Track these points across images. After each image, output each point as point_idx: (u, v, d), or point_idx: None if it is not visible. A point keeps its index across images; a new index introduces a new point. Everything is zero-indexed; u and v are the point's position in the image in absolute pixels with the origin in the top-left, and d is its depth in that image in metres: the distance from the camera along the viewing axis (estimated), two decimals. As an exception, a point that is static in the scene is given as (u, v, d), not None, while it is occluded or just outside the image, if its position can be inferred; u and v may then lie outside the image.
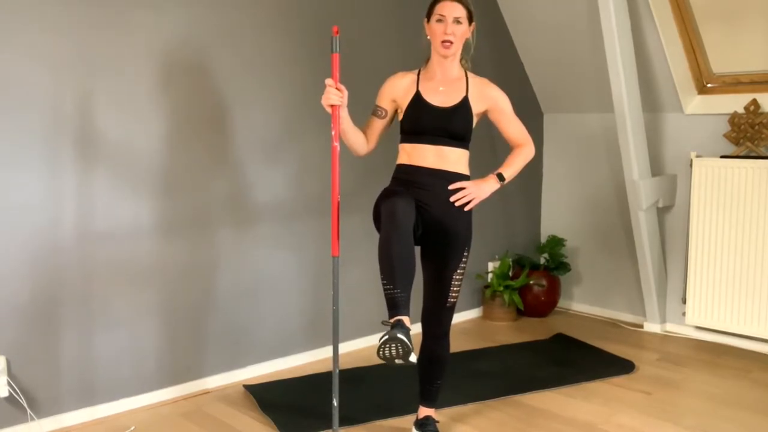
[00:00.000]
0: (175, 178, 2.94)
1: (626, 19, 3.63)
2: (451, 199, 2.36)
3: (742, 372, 3.41)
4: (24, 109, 2.51)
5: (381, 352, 2.04)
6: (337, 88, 2.28)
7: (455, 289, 2.44)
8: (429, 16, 2.39)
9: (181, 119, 2.94)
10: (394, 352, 2.02)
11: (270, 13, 3.20)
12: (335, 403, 2.39)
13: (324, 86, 2.29)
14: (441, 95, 2.39)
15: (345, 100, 2.31)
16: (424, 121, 2.37)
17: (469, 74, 2.46)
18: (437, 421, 2.61)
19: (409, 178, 2.39)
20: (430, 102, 2.38)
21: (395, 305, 2.13)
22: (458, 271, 2.43)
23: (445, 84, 2.41)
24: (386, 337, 2.02)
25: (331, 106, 2.29)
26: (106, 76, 2.70)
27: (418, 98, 2.39)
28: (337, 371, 2.37)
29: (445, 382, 2.59)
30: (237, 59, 3.10)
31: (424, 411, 2.59)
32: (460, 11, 2.34)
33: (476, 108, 2.41)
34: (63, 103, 2.60)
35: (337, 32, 2.32)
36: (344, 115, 2.34)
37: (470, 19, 2.38)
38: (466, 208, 2.38)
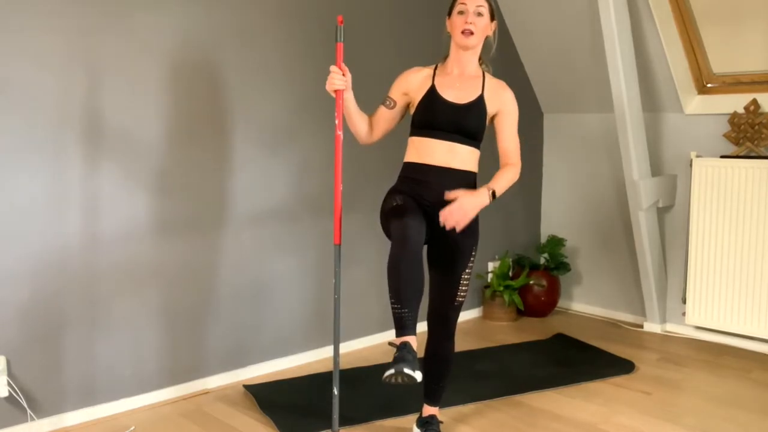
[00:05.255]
0: (175, 179, 2.94)
1: (626, 19, 3.63)
2: (442, 223, 2.22)
3: (742, 372, 3.41)
4: (26, 110, 2.51)
5: (387, 381, 2.07)
6: (342, 73, 2.32)
7: (464, 288, 2.43)
8: (450, 11, 2.37)
9: (184, 118, 2.94)
10: (399, 382, 2.06)
11: (272, 11, 3.20)
12: (336, 391, 2.39)
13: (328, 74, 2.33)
14: (456, 91, 2.35)
15: (349, 83, 2.34)
16: (437, 116, 2.33)
17: (487, 75, 2.42)
18: (441, 422, 2.61)
19: (416, 177, 2.36)
20: (445, 97, 2.34)
21: (403, 326, 2.13)
22: (467, 270, 2.42)
23: (462, 81, 2.37)
24: (392, 371, 2.03)
25: (336, 91, 2.33)
26: (108, 76, 2.70)
27: (432, 92, 2.36)
28: (338, 360, 2.39)
29: (450, 381, 2.59)
30: (240, 58, 3.10)
31: (428, 410, 2.59)
32: (482, 2, 2.32)
33: (490, 108, 2.38)
34: (65, 104, 2.60)
35: (341, 22, 2.33)
36: (348, 97, 2.36)
37: (492, 16, 2.37)
38: (458, 229, 2.25)
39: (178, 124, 2.93)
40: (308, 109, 3.34)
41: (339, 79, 2.31)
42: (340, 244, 2.39)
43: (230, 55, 3.07)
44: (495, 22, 2.40)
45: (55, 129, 2.59)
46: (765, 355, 3.67)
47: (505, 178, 2.37)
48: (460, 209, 2.21)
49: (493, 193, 2.31)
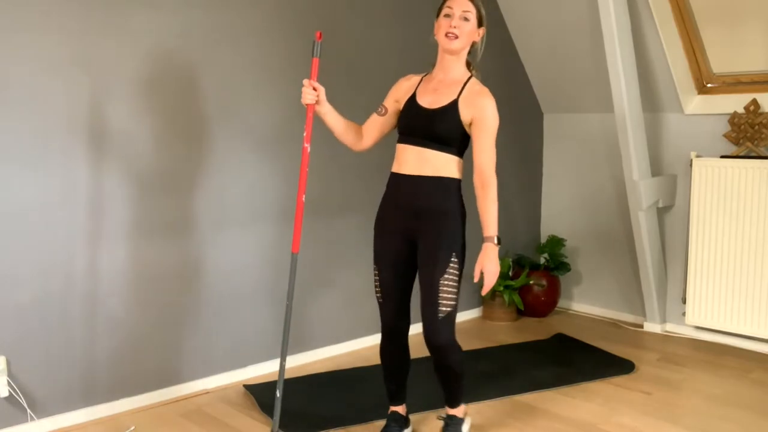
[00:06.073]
0: (174, 179, 2.94)
1: (626, 19, 3.63)
2: (483, 294, 2.32)
3: (742, 372, 3.41)
4: (24, 110, 2.51)
5: None
6: (314, 88, 2.36)
7: (445, 296, 2.30)
8: (438, 13, 2.35)
9: (179, 120, 2.94)
10: None
11: (271, 14, 3.20)
12: (278, 394, 2.43)
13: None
14: (432, 96, 2.34)
15: (321, 98, 2.37)
16: (410, 121, 2.35)
17: (472, 81, 2.36)
18: (462, 419, 2.57)
19: (394, 189, 2.40)
20: (420, 103, 2.34)
21: (391, 397, 2.60)
22: (446, 276, 2.29)
23: (442, 86, 2.35)
24: None
25: (307, 105, 2.38)
26: (102, 77, 2.70)
27: (411, 99, 2.38)
28: (284, 364, 2.47)
29: (461, 385, 2.50)
30: (236, 59, 3.10)
31: (447, 410, 2.59)
32: (468, 7, 2.30)
33: (464, 114, 2.29)
34: (62, 104, 2.60)
35: (320, 37, 2.38)
36: (323, 111, 2.40)
37: (480, 21, 2.34)
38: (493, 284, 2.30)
39: (172, 126, 2.93)
40: (303, 111, 3.33)
41: (310, 94, 2.35)
42: (297, 253, 2.47)
43: (228, 57, 3.07)
44: (483, 28, 2.36)
45: (52, 129, 2.59)
46: (765, 355, 3.67)
47: (494, 214, 2.29)
48: (493, 276, 2.27)
49: (498, 240, 2.29)
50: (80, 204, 2.68)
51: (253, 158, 3.20)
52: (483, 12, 2.36)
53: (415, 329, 2.50)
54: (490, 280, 2.27)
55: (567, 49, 4.16)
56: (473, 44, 2.37)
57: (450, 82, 2.36)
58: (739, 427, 2.78)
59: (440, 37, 2.32)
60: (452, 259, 2.30)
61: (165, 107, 2.88)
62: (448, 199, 2.33)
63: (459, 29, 2.28)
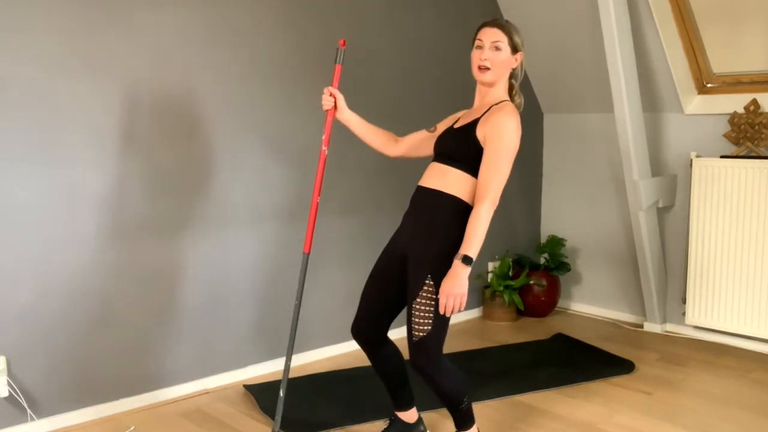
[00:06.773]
0: (175, 178, 2.93)
1: (626, 19, 3.63)
2: (441, 311, 2.14)
3: (742, 372, 3.41)
4: (24, 110, 2.51)
5: None
6: (331, 95, 2.44)
7: (417, 320, 2.18)
8: (472, 46, 2.32)
9: (180, 120, 2.94)
10: None
11: (277, 12, 3.20)
12: (282, 393, 2.46)
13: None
14: (463, 120, 2.33)
15: (340, 105, 2.46)
16: (438, 140, 2.36)
17: (503, 103, 2.26)
18: None
19: (409, 203, 2.39)
20: (454, 126, 2.35)
21: (392, 401, 2.54)
22: (418, 300, 2.18)
23: (474, 111, 2.33)
24: None
25: (327, 110, 2.46)
26: (103, 77, 2.70)
27: (451, 125, 2.38)
28: (289, 364, 2.52)
29: (461, 409, 2.36)
30: (240, 59, 3.10)
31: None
32: (499, 36, 2.24)
33: (480, 132, 2.21)
34: (63, 104, 2.60)
35: (343, 45, 2.44)
36: (345, 118, 2.48)
37: (514, 48, 2.27)
38: (453, 313, 2.15)
39: (175, 125, 2.93)
40: (308, 112, 3.33)
41: (326, 100, 2.45)
42: (309, 253, 2.51)
43: (231, 55, 3.07)
44: (521, 53, 2.30)
45: (53, 129, 2.59)
46: (765, 355, 3.67)
47: (473, 232, 2.14)
48: (447, 296, 2.12)
49: (467, 260, 2.13)
50: (81, 204, 2.68)
51: (256, 158, 3.19)
52: (517, 38, 2.28)
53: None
54: (443, 300, 2.11)
55: (567, 49, 4.16)
56: (513, 70, 2.32)
57: (483, 105, 2.32)
58: (739, 427, 2.78)
59: (473, 69, 2.29)
60: (426, 281, 2.18)
61: (167, 106, 2.88)
62: (444, 215, 2.23)
63: (490, 60, 2.24)
